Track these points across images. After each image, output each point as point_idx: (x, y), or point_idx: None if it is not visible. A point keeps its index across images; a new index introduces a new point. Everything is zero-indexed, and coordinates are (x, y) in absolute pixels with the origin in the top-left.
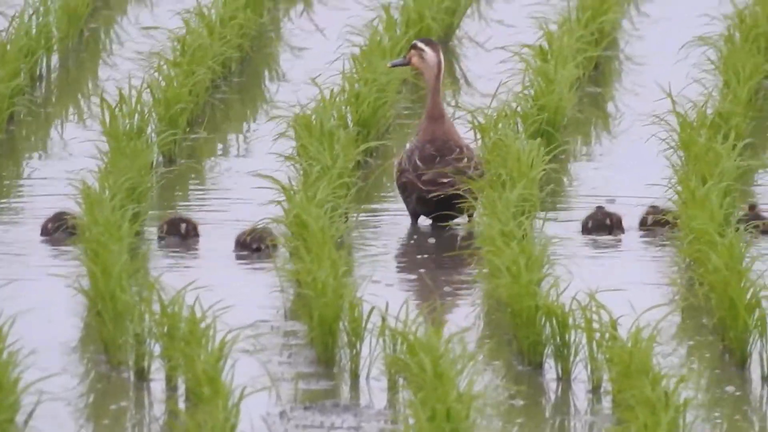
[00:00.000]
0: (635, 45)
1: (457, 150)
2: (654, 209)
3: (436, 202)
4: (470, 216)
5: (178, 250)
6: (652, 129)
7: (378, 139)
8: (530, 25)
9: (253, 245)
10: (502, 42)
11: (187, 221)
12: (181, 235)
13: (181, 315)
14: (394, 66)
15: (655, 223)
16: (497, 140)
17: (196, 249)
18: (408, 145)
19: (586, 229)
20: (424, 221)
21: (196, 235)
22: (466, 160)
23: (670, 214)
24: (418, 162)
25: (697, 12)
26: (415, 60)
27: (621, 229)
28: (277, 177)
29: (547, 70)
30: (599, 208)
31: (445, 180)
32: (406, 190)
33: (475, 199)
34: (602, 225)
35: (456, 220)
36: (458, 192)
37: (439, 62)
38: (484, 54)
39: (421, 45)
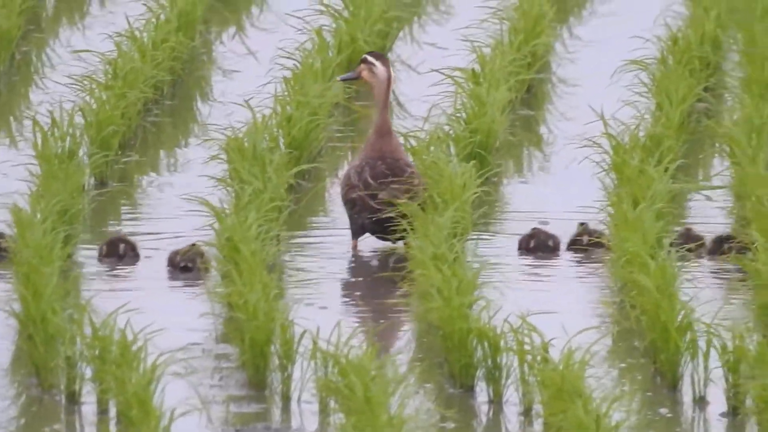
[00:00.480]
0: (568, 68)
1: (408, 171)
2: (584, 227)
3: (386, 222)
4: (406, 237)
5: (110, 272)
6: (585, 151)
7: (310, 162)
8: (462, 47)
9: (181, 264)
10: (435, 65)
11: (126, 241)
12: (119, 255)
13: (113, 338)
14: (343, 80)
15: (585, 244)
16: (430, 163)
17: (129, 271)
18: (355, 160)
19: (525, 249)
20: (363, 240)
21: (136, 255)
22: (416, 181)
23: (600, 234)
24: (370, 179)
25: (630, 34)
26: (365, 74)
27: (558, 251)
28: (210, 200)
29: (480, 93)
30: (537, 227)
31: (395, 201)
32: (355, 206)
33: (410, 223)
34: (544, 245)
35: (396, 241)
36: (404, 214)
37: (389, 77)
38: (417, 77)
39: (371, 59)
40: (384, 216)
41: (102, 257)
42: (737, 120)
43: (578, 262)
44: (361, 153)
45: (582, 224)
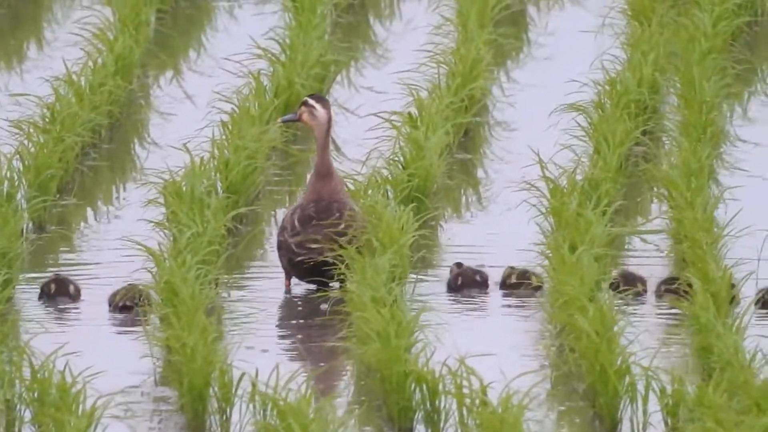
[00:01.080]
0: (505, 111)
1: (337, 215)
2: (512, 269)
3: (306, 267)
4: (341, 282)
5: (49, 314)
6: (523, 195)
7: (248, 206)
8: (400, 91)
9: (120, 303)
10: (372, 108)
11: (72, 282)
12: (69, 295)
13: (52, 380)
14: (284, 122)
15: (516, 284)
16: (368, 206)
17: (68, 313)
18: (295, 203)
19: (454, 288)
20: (297, 284)
21: (80, 296)
22: (343, 225)
23: (531, 274)
24: (296, 223)
25: (567, 78)
26: (305, 117)
27: (487, 287)
28: (148, 243)
29: (417, 136)
30: (458, 264)
31: (314, 246)
32: (280, 249)
33: (346, 266)
34: (473, 281)
35: (330, 285)
36: (327, 259)
37: (330, 118)
38: (355, 120)
39: (311, 102)
40: (300, 260)
41: (48, 295)
42: (675, 163)
43: (516, 305)
44: (304, 195)
45: (511, 267)
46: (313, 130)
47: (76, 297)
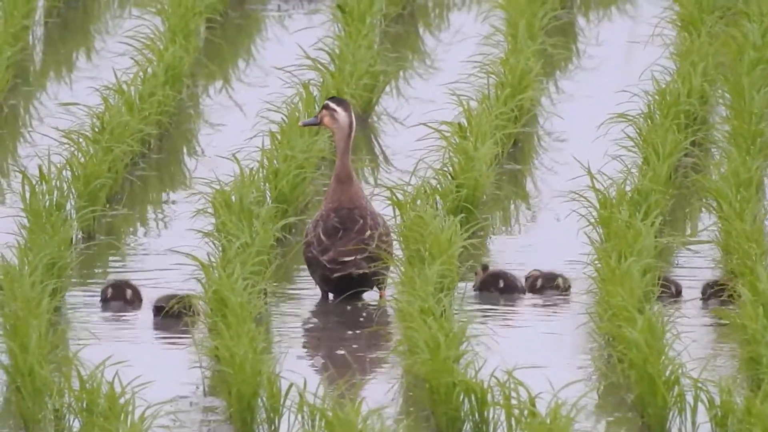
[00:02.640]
0: (554, 122)
1: (361, 222)
2: (539, 272)
3: (339, 281)
4: (380, 288)
5: (98, 323)
6: (572, 205)
7: (297, 216)
8: (449, 101)
9: (160, 306)
10: (421, 119)
11: (132, 287)
12: (126, 300)
13: (100, 391)
14: (305, 125)
15: (542, 288)
16: (416, 217)
17: (117, 323)
18: (317, 213)
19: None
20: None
21: (140, 301)
22: (369, 232)
23: (559, 277)
24: (322, 236)
25: (616, 88)
26: (326, 120)
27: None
28: (197, 254)
29: (466, 147)
30: (483, 267)
31: (348, 259)
32: (311, 265)
33: (383, 274)
34: (513, 286)
35: (367, 295)
36: (363, 272)
37: (351, 123)
38: (403, 130)
39: (333, 105)
40: (337, 276)
41: (107, 300)
42: (724, 174)
43: (563, 315)
44: (323, 202)
45: (538, 271)
46: (333, 134)
47: (134, 302)
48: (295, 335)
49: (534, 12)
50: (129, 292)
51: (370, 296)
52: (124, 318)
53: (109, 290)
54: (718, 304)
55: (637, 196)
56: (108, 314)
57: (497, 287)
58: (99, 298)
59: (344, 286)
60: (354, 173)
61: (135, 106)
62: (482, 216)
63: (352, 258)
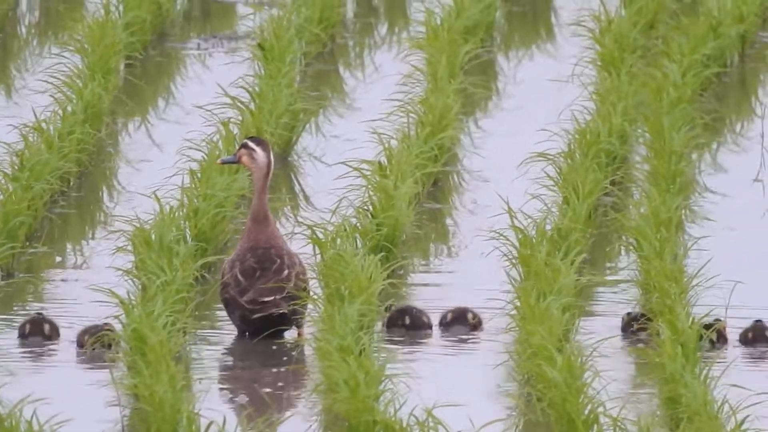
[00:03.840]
0: (475, 160)
1: (278, 261)
2: (450, 310)
3: (259, 321)
4: (299, 327)
5: (17, 361)
6: (492, 244)
7: (217, 254)
8: (370, 140)
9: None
10: (342, 157)
11: (50, 322)
12: (44, 335)
13: (19, 429)
14: (224, 163)
15: (451, 323)
16: (336, 255)
17: (35, 360)
18: (233, 253)
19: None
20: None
21: (58, 335)
22: (287, 271)
23: (469, 313)
24: (240, 276)
25: (537, 127)
26: (245, 159)
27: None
28: (116, 291)
29: (387, 185)
30: (386, 308)
31: (267, 299)
32: (228, 305)
33: (302, 313)
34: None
35: (287, 333)
36: (283, 312)
37: (269, 162)
38: (323, 169)
39: (251, 144)
40: (257, 317)
41: (25, 336)
42: (644, 213)
43: (483, 353)
44: (240, 242)
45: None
46: (252, 173)
47: (52, 336)
48: (214, 373)
49: (454, 51)
50: (47, 327)
51: (290, 335)
52: (43, 355)
53: (27, 326)
54: (637, 339)
55: (557, 235)
56: (27, 350)
57: (404, 323)
58: (17, 335)
59: (264, 326)
60: (270, 213)
61: (54, 144)
62: (402, 255)
63: (272, 298)
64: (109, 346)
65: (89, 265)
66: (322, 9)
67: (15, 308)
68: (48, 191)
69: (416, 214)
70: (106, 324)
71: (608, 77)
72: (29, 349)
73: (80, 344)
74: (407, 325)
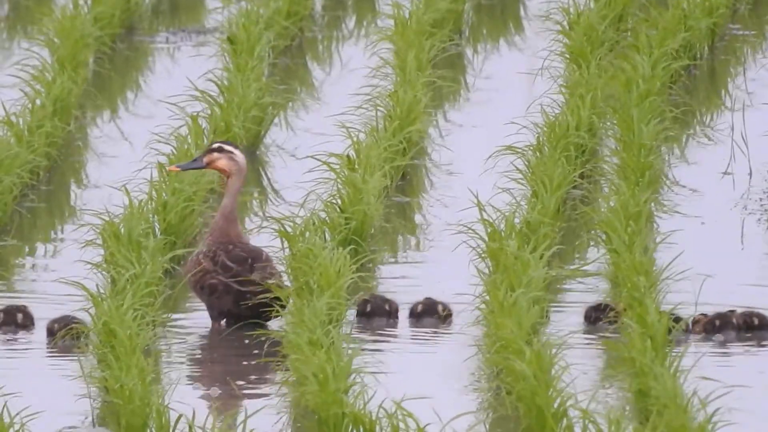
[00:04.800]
0: (443, 154)
1: (264, 253)
2: (423, 301)
3: (250, 306)
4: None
5: None
6: (461, 237)
7: (185, 248)
8: (338, 133)
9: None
10: (310, 151)
11: (23, 311)
12: (18, 324)
13: None
14: (185, 170)
15: (422, 314)
16: (305, 249)
17: (8, 352)
18: (201, 246)
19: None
20: (225, 324)
21: (32, 324)
22: (269, 267)
23: (440, 305)
24: (229, 262)
25: (505, 120)
26: (222, 162)
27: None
28: (86, 284)
29: (355, 179)
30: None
31: (259, 287)
32: (215, 291)
33: (282, 307)
34: (382, 310)
35: (258, 326)
36: (269, 298)
37: (245, 163)
38: (292, 163)
39: (228, 147)
40: (257, 300)
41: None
42: (613, 207)
43: (452, 346)
44: (207, 238)
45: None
46: (229, 176)
47: (26, 325)
48: (184, 366)
49: (422, 44)
50: (20, 316)
51: (260, 327)
52: (14, 347)
53: (0, 315)
54: (603, 327)
55: (526, 229)
56: (18, 332)
57: (365, 312)
58: None
59: (255, 312)
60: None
61: (24, 137)
62: (371, 248)
63: (274, 282)
64: (79, 337)
65: (59, 259)
66: (290, 2)
67: None
68: (18, 185)
69: (385, 207)
70: (74, 319)
71: (577, 70)
72: (1, 342)
73: (50, 332)
74: (368, 312)
